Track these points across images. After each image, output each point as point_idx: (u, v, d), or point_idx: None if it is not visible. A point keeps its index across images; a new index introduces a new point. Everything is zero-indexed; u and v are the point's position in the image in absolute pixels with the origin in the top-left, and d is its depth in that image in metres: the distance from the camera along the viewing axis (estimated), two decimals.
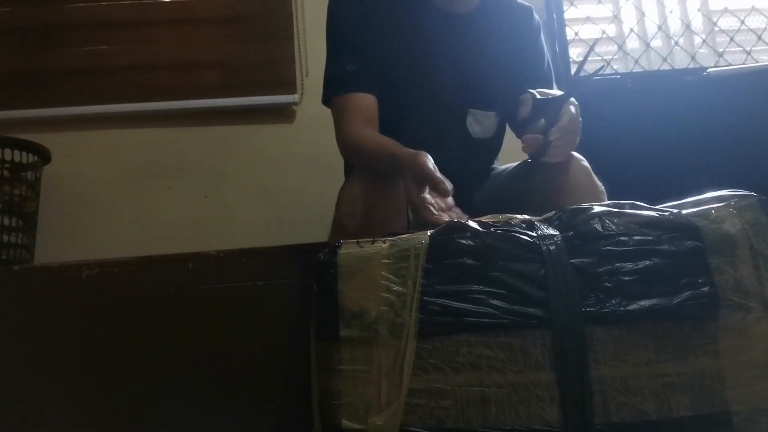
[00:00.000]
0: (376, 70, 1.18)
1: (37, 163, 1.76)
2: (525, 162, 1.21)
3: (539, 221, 0.82)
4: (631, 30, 2.21)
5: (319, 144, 1.90)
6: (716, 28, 2.22)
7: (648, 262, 0.75)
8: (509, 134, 1.35)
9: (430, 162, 0.93)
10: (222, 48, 2.07)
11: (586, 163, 1.14)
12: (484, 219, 0.85)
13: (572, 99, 1.04)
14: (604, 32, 2.19)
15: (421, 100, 1.22)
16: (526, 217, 0.85)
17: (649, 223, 0.78)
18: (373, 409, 0.71)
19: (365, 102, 1.17)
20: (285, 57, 2.06)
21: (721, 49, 2.18)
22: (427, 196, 0.93)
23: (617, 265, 0.75)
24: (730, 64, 2.13)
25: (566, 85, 1.03)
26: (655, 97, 2.02)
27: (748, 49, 2.18)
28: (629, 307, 0.73)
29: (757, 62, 2.14)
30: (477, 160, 1.31)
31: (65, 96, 2.00)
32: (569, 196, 1.03)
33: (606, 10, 2.23)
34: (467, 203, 1.01)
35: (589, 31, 2.20)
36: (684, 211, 0.80)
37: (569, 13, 2.18)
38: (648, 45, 2.19)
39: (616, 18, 2.23)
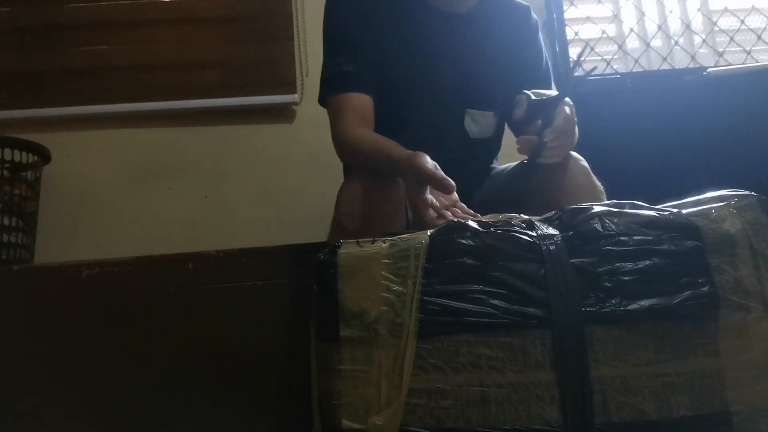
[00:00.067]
0: (373, 70, 1.18)
1: (37, 163, 1.76)
2: (523, 162, 1.21)
3: (539, 221, 0.82)
4: (631, 30, 2.21)
5: (319, 144, 1.88)
6: (716, 28, 2.22)
7: (648, 262, 0.75)
8: (508, 134, 1.35)
9: (429, 161, 0.93)
10: (222, 48, 2.07)
11: (584, 163, 1.14)
12: (484, 218, 0.85)
13: (567, 99, 1.04)
14: (604, 32, 2.19)
15: (419, 100, 1.22)
16: (526, 216, 0.85)
17: (649, 222, 0.78)
18: (373, 408, 0.71)
19: (361, 102, 1.17)
20: (285, 57, 2.06)
21: (721, 49, 2.18)
22: (429, 196, 0.93)
23: (617, 264, 0.75)
24: (730, 64, 2.13)
25: (561, 85, 1.03)
26: (655, 96, 2.02)
27: (748, 48, 2.18)
28: (629, 307, 0.73)
29: (757, 62, 2.14)
30: (476, 160, 1.31)
31: (65, 96, 2.00)
32: (568, 196, 1.03)
33: (606, 9, 2.23)
34: (467, 203, 1.01)
35: (589, 31, 2.20)
36: (684, 211, 0.80)
37: (569, 12, 2.18)
38: (648, 45, 2.19)
39: (616, 18, 2.23)
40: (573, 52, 2.14)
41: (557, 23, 2.11)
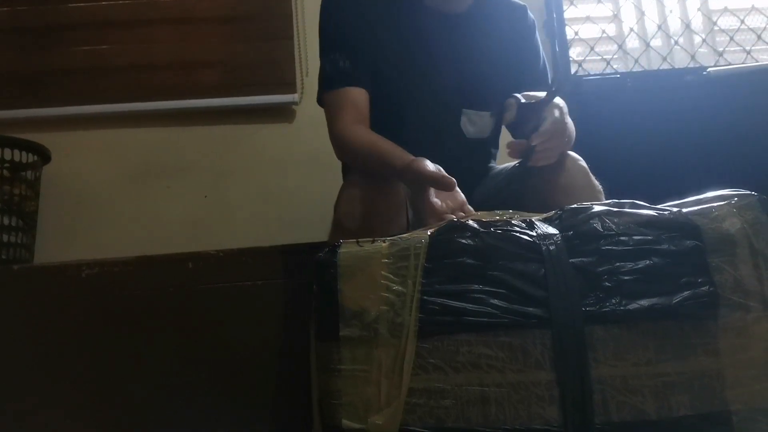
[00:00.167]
0: (369, 67, 1.18)
1: (37, 163, 1.76)
2: (515, 165, 1.21)
3: (539, 221, 0.82)
4: (631, 29, 2.21)
5: (319, 144, 1.88)
6: (716, 28, 2.22)
7: (648, 262, 0.75)
8: (507, 134, 1.35)
9: (428, 164, 0.93)
10: (222, 48, 2.07)
11: (583, 162, 1.14)
12: (488, 215, 0.85)
13: (558, 101, 1.03)
14: (604, 32, 2.19)
15: (414, 100, 1.22)
16: (526, 214, 0.86)
17: (649, 222, 0.78)
18: (373, 408, 0.71)
19: (357, 97, 1.17)
20: (285, 57, 2.06)
21: (720, 49, 2.18)
22: (435, 200, 0.93)
23: (617, 264, 0.75)
24: (730, 64, 2.13)
25: (551, 87, 1.04)
26: (655, 96, 2.02)
27: (748, 48, 2.18)
28: (629, 307, 0.73)
29: (757, 62, 2.14)
30: (474, 161, 1.31)
31: (65, 96, 2.00)
32: (567, 196, 1.03)
33: (606, 9, 2.23)
34: None
35: (589, 31, 2.20)
36: (684, 211, 0.80)
37: (569, 12, 2.18)
38: (648, 44, 2.19)
39: (615, 17, 2.23)
40: (573, 52, 2.14)
41: (557, 23, 2.11)
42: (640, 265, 0.75)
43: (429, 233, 0.79)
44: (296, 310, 1.27)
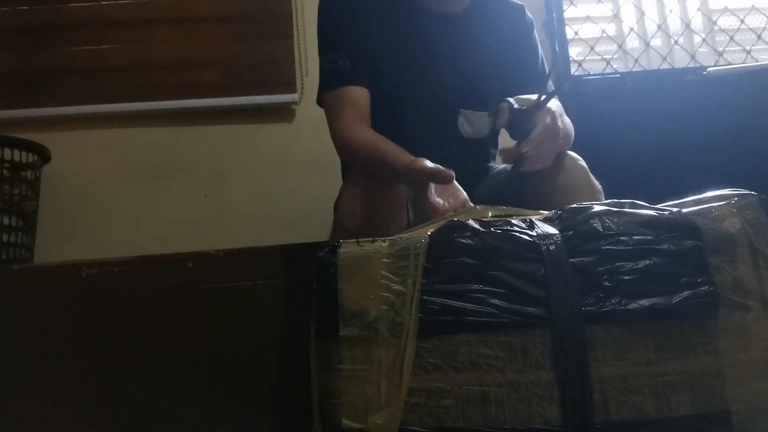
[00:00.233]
0: (368, 66, 1.18)
1: (37, 163, 1.76)
2: (508, 170, 1.21)
3: (539, 220, 0.82)
4: (631, 29, 2.21)
5: (319, 143, 1.88)
6: (716, 27, 2.22)
7: (648, 262, 0.75)
8: (504, 133, 1.35)
9: (427, 162, 0.93)
10: (222, 47, 2.07)
11: (583, 162, 1.14)
12: (486, 211, 0.86)
13: (551, 106, 1.03)
14: (603, 31, 2.19)
15: (412, 101, 1.22)
16: (526, 211, 0.86)
17: (649, 222, 0.78)
18: (373, 408, 0.71)
19: (358, 96, 1.17)
20: (285, 56, 2.06)
21: (720, 48, 2.18)
22: (437, 198, 0.93)
23: (617, 264, 0.75)
24: (730, 64, 2.13)
25: (542, 91, 1.04)
26: (654, 96, 2.02)
27: (747, 48, 2.18)
28: (629, 307, 0.73)
29: (757, 61, 2.14)
30: (473, 161, 1.31)
31: (65, 95, 2.00)
32: (566, 196, 1.03)
33: (606, 9, 2.23)
34: None
35: (588, 30, 2.19)
36: (684, 210, 0.80)
37: (569, 12, 2.18)
38: (648, 44, 2.19)
39: (615, 17, 2.23)
40: (573, 52, 2.14)
41: (557, 22, 2.11)
42: (640, 265, 0.75)
43: (429, 233, 0.79)
44: (296, 310, 1.27)
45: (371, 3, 1.22)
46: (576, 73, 2.12)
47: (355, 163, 1.18)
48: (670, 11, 2.24)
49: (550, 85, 1.30)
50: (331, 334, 0.74)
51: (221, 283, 1.31)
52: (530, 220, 0.82)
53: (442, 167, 0.91)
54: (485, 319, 0.72)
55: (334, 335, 0.74)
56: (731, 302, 0.73)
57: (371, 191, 1.06)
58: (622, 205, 0.81)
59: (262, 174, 2.03)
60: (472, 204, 0.97)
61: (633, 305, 0.73)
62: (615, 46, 2.19)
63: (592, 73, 2.14)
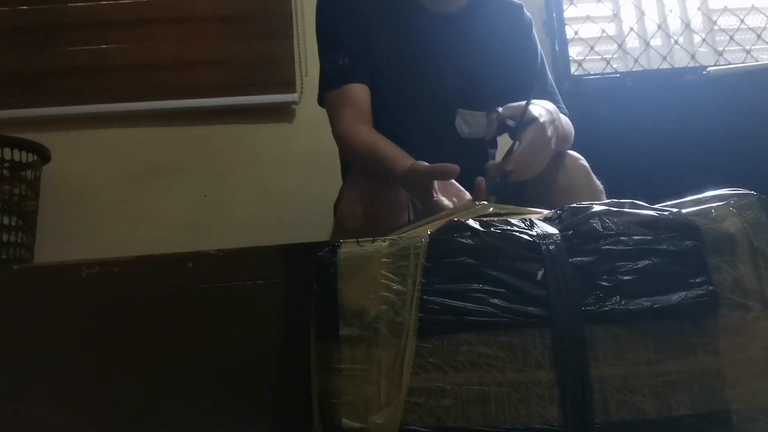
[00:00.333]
0: (368, 64, 1.18)
1: (37, 163, 1.76)
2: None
3: (539, 220, 0.82)
4: (631, 29, 2.21)
5: (319, 143, 1.89)
6: (716, 27, 2.22)
7: (647, 261, 0.75)
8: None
9: (427, 164, 0.93)
10: (222, 47, 2.07)
11: (584, 162, 1.14)
12: (489, 210, 0.86)
13: (540, 111, 1.01)
14: (603, 31, 2.19)
15: (411, 101, 1.22)
16: (526, 210, 0.86)
17: (649, 222, 0.78)
18: (373, 407, 0.71)
19: (358, 94, 1.16)
20: (284, 56, 2.06)
21: (720, 48, 2.18)
22: (442, 198, 0.93)
23: (617, 264, 0.75)
24: (730, 63, 2.13)
25: (542, 91, 1.04)
26: (654, 96, 2.02)
27: (747, 47, 2.18)
28: (629, 306, 0.73)
29: (757, 61, 2.14)
30: (472, 161, 1.30)
31: (65, 95, 2.00)
32: (567, 196, 1.03)
33: (606, 8, 2.23)
34: None
35: (588, 30, 2.20)
36: (683, 210, 0.80)
37: (569, 11, 2.18)
38: (648, 44, 2.19)
39: (615, 17, 2.23)
40: (573, 51, 2.14)
41: (557, 22, 2.11)
42: (639, 265, 0.75)
43: (429, 233, 0.79)
44: (296, 310, 1.27)
45: (369, 2, 1.22)
46: (576, 73, 2.12)
47: (356, 164, 1.18)
48: (670, 11, 2.24)
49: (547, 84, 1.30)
50: (331, 333, 0.74)
51: (221, 283, 1.31)
52: (530, 219, 0.82)
53: (443, 163, 0.91)
54: (485, 319, 0.72)
55: (334, 335, 0.74)
56: (731, 302, 0.73)
57: (372, 191, 1.06)
58: (621, 205, 0.81)
59: (262, 174, 2.03)
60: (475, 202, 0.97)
61: (633, 305, 0.73)
62: (615, 46, 2.19)
63: (592, 72, 2.14)
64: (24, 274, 1.37)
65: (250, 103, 2.03)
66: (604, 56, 2.16)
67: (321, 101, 1.24)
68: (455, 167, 0.89)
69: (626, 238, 0.76)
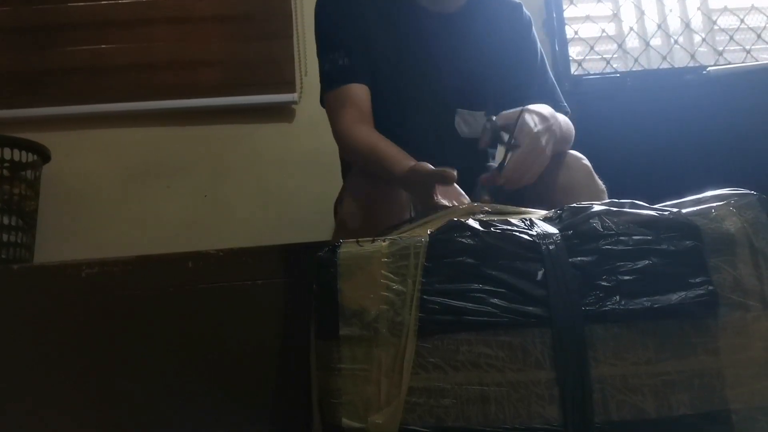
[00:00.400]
0: (368, 63, 1.18)
1: (37, 162, 1.76)
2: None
3: (539, 220, 0.82)
4: (631, 29, 2.21)
5: (319, 143, 1.89)
6: (716, 27, 2.22)
7: (647, 261, 0.75)
8: None
9: (428, 165, 0.93)
10: (221, 47, 2.07)
11: (586, 161, 1.14)
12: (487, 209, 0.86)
13: (534, 118, 1.01)
14: (603, 31, 2.19)
15: (411, 101, 1.22)
16: (527, 209, 0.86)
17: (649, 222, 0.78)
18: (373, 407, 0.71)
19: (358, 94, 1.16)
20: (284, 56, 2.06)
21: (720, 48, 2.18)
22: (443, 201, 0.93)
23: (617, 264, 0.75)
24: (730, 63, 2.13)
25: (541, 90, 1.04)
26: (654, 95, 2.02)
27: (747, 47, 2.18)
28: (629, 306, 0.73)
29: (757, 61, 2.14)
30: (471, 161, 1.30)
31: (65, 95, 2.00)
32: (569, 196, 1.03)
33: (605, 8, 2.23)
34: None
35: (588, 30, 2.20)
36: (683, 210, 0.80)
37: (569, 11, 2.18)
38: (647, 44, 2.19)
39: (615, 16, 2.23)
40: (573, 51, 2.14)
41: (557, 22, 2.11)
42: (639, 265, 0.75)
43: (429, 232, 0.79)
44: (296, 309, 1.27)
45: (369, 3, 1.22)
46: (576, 73, 2.12)
47: (355, 164, 1.18)
48: (670, 11, 2.24)
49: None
50: (331, 333, 0.74)
51: (221, 283, 1.31)
52: (530, 219, 0.82)
53: (444, 168, 0.91)
54: (485, 319, 0.72)
55: (334, 335, 0.74)
56: (731, 302, 0.73)
57: (374, 191, 1.06)
58: (621, 205, 0.81)
59: (262, 174, 2.03)
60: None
61: (633, 305, 0.73)
62: (615, 46, 2.19)
63: (591, 72, 2.14)
64: (24, 274, 1.37)
65: (249, 103, 2.03)
66: (604, 56, 2.16)
67: (323, 102, 1.24)
68: (454, 174, 0.89)
69: (626, 238, 0.76)
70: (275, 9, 2.09)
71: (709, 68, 2.04)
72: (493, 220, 0.82)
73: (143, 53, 2.04)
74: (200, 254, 1.33)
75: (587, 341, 0.71)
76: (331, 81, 1.19)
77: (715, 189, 0.83)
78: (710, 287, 0.74)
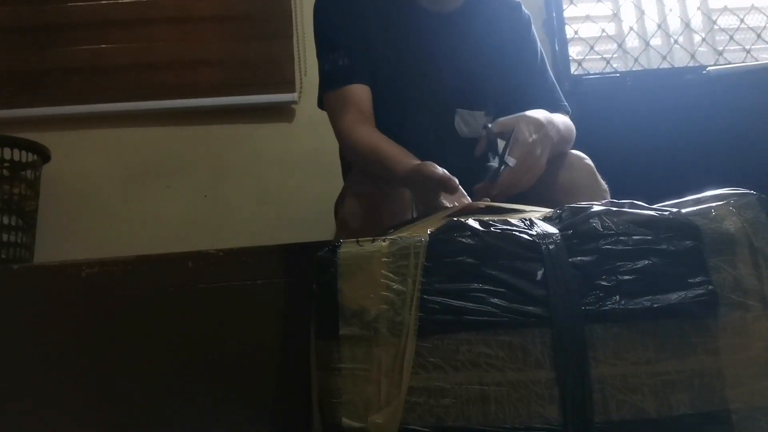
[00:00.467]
0: (367, 63, 1.18)
1: (37, 162, 1.76)
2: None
3: (539, 220, 0.82)
4: (631, 28, 2.21)
5: (319, 143, 1.90)
6: (716, 27, 2.22)
7: (647, 261, 0.75)
8: None
9: (436, 167, 0.93)
10: (221, 47, 2.07)
11: (589, 161, 1.14)
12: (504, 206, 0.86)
13: (529, 126, 1.01)
14: (603, 31, 2.19)
15: (411, 101, 1.21)
16: (528, 208, 0.86)
17: (649, 222, 0.78)
18: (373, 407, 0.71)
19: (359, 94, 1.16)
20: (284, 56, 2.06)
21: (720, 48, 2.18)
22: (445, 201, 0.93)
23: (617, 263, 0.75)
24: (730, 63, 2.13)
25: (542, 89, 1.05)
26: (654, 95, 2.02)
27: (747, 47, 2.18)
28: (629, 306, 0.73)
29: (757, 60, 2.14)
30: (471, 161, 1.30)
31: (65, 95, 2.00)
32: (572, 195, 1.03)
33: (605, 8, 2.23)
34: None
35: (588, 30, 2.20)
36: (683, 210, 0.80)
37: (569, 11, 2.18)
38: (647, 43, 2.19)
39: (615, 16, 2.23)
40: (573, 51, 2.14)
41: (557, 22, 2.11)
42: (639, 265, 0.75)
43: (429, 232, 0.79)
44: (296, 309, 1.27)
45: (368, 3, 1.22)
46: (576, 73, 2.12)
47: (356, 164, 1.18)
48: (670, 10, 2.24)
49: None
50: (331, 333, 0.74)
51: (221, 282, 1.31)
52: (530, 219, 0.82)
53: (449, 175, 0.91)
54: (485, 318, 0.72)
55: (334, 334, 0.74)
56: (731, 301, 0.73)
57: (376, 191, 1.06)
58: (621, 205, 0.81)
59: (262, 174, 2.03)
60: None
61: (633, 305, 0.73)
62: (615, 46, 2.19)
63: (591, 72, 2.14)
64: (24, 274, 1.37)
65: (249, 103, 2.04)
66: (604, 56, 2.17)
67: (321, 103, 1.23)
68: (457, 184, 0.90)
69: (626, 238, 0.76)
70: (275, 9, 2.09)
71: (709, 68, 2.04)
72: (493, 220, 0.82)
73: (143, 53, 2.04)
74: (200, 254, 1.33)
75: (587, 341, 0.71)
76: (331, 81, 1.18)
77: (715, 189, 0.83)
78: (710, 287, 0.74)
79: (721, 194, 0.81)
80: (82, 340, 1.28)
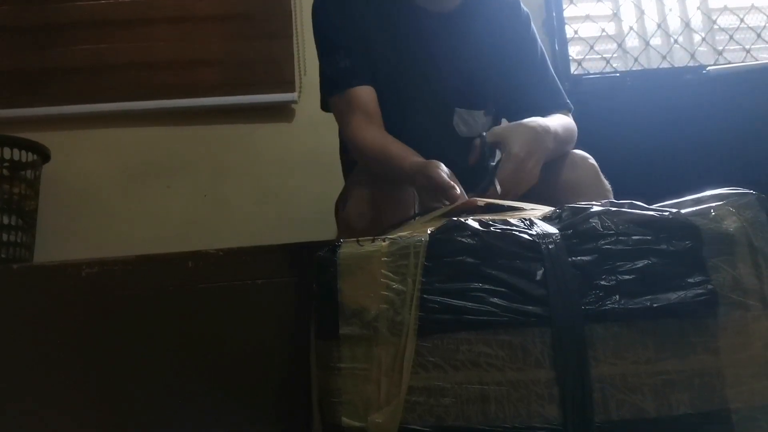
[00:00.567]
0: (368, 63, 1.18)
1: (37, 162, 1.76)
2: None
3: (539, 219, 0.82)
4: (631, 28, 2.21)
5: (318, 142, 1.90)
6: (716, 26, 2.22)
7: (647, 261, 0.75)
8: None
9: (443, 170, 0.93)
10: (221, 46, 2.07)
11: (593, 161, 1.13)
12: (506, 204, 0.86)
13: (525, 135, 1.01)
14: (603, 30, 2.19)
15: (411, 101, 1.21)
16: (528, 206, 0.86)
17: (648, 222, 0.78)
18: (372, 406, 0.71)
19: (364, 96, 1.16)
20: (284, 55, 2.06)
21: (720, 47, 2.18)
22: (446, 202, 0.93)
23: (617, 263, 0.75)
24: (730, 63, 2.13)
25: (543, 88, 1.04)
26: (654, 95, 2.02)
27: (747, 47, 2.18)
28: (628, 306, 0.73)
29: (757, 60, 2.14)
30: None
31: (65, 94, 2.00)
32: (575, 195, 1.03)
33: (605, 8, 2.23)
34: None
35: (588, 29, 2.20)
36: (683, 210, 0.80)
37: (569, 11, 2.18)
38: (647, 43, 2.19)
39: (615, 16, 2.23)
40: (572, 50, 2.14)
41: (557, 21, 2.11)
42: (639, 265, 0.75)
43: (429, 232, 0.79)
44: (296, 308, 1.27)
45: (367, 3, 1.22)
46: (575, 72, 2.12)
47: (363, 165, 1.18)
48: (670, 10, 2.24)
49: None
50: (331, 332, 0.74)
51: (221, 282, 1.31)
52: (530, 219, 0.82)
53: (451, 184, 0.91)
54: (485, 318, 0.72)
55: (334, 334, 0.74)
56: (731, 301, 0.73)
57: (379, 191, 1.06)
58: (621, 205, 0.81)
59: (262, 173, 2.03)
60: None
61: (633, 304, 0.73)
62: (615, 45, 2.19)
63: (591, 72, 2.14)
64: (24, 274, 1.37)
65: (249, 103, 2.04)
66: (604, 55, 2.17)
67: (324, 106, 1.23)
68: (459, 195, 0.90)
69: (626, 238, 0.76)
70: (275, 9, 2.09)
71: (708, 68, 2.05)
72: (493, 220, 0.82)
73: (143, 53, 2.04)
74: (200, 254, 1.33)
75: (587, 340, 0.71)
76: (334, 84, 1.18)
77: (715, 189, 0.83)
78: (710, 287, 0.74)
79: (720, 194, 0.81)
80: (82, 340, 1.28)
